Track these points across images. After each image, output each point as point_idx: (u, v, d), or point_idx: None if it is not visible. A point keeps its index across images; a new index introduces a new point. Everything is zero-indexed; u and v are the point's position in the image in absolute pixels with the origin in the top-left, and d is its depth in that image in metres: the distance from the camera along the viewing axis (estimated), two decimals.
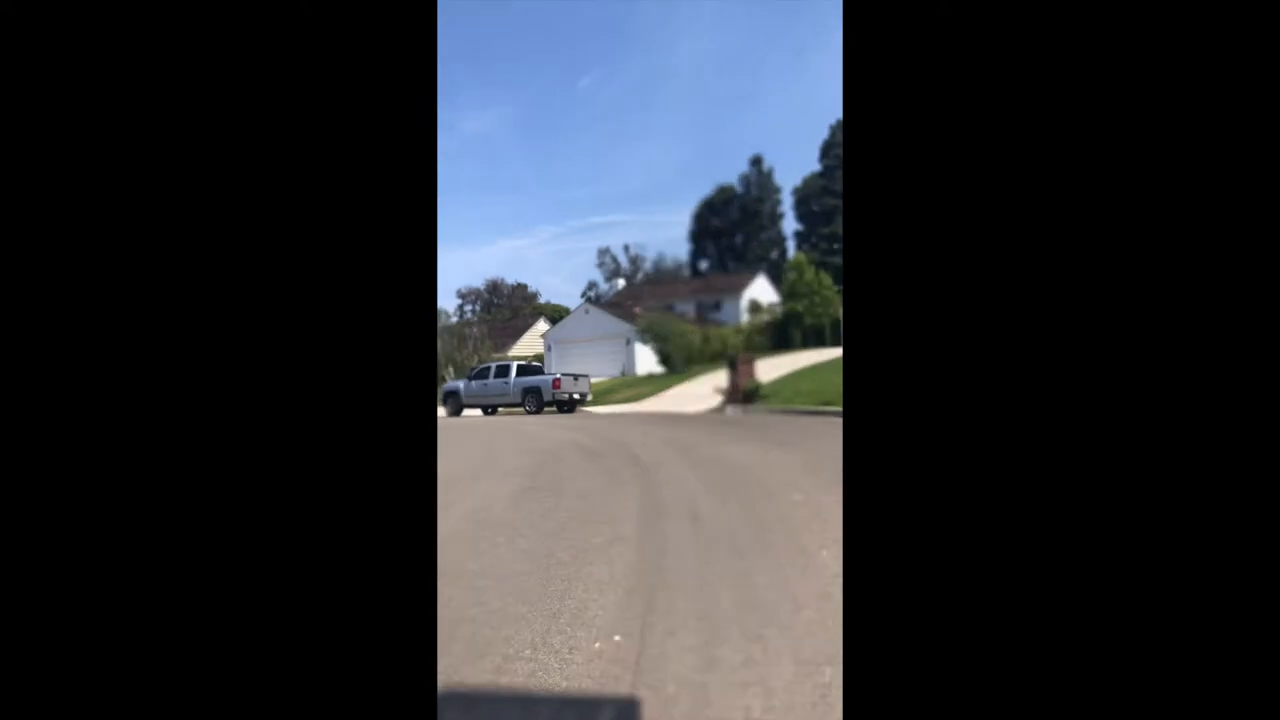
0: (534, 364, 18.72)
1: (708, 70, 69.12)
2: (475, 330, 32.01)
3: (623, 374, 26.19)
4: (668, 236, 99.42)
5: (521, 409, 16.36)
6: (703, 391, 17.21)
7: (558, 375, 16.33)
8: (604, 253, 57.96)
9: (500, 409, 17.11)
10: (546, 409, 16.52)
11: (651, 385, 20.80)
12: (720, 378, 17.79)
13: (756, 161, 49.20)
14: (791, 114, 66.25)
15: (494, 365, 17.67)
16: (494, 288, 54.44)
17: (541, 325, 33.34)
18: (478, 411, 17.35)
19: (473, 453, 7.88)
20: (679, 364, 23.72)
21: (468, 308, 53.42)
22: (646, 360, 25.71)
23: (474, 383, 17.24)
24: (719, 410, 14.01)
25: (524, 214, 76.61)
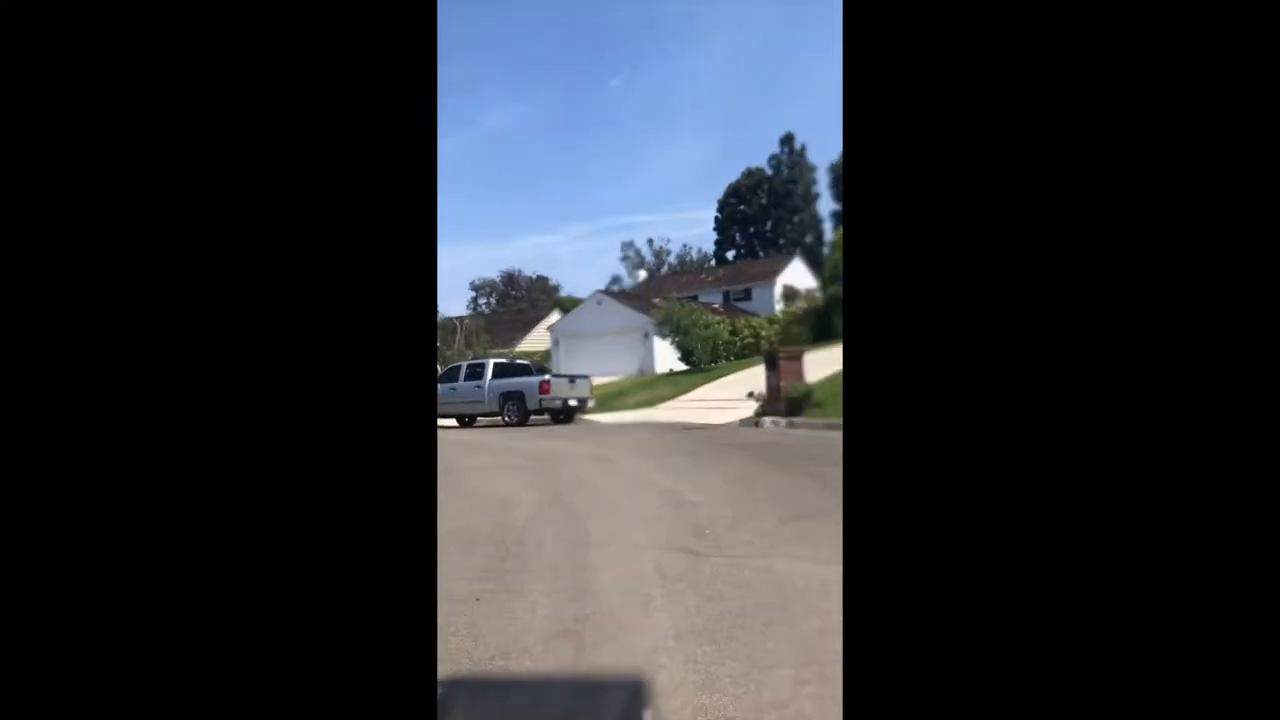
0: (521, 362, 15.12)
1: (737, 62, 68.00)
2: (468, 322, 28.57)
3: (640, 372, 22.70)
4: (698, 233, 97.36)
5: (501, 418, 12.95)
6: (732, 396, 13.63)
7: (546, 377, 12.87)
8: (627, 246, 54.75)
9: (479, 419, 13.69)
10: (537, 418, 13.08)
11: (671, 386, 17.29)
12: (755, 378, 14.18)
13: (788, 140, 45.19)
14: (825, 94, 62.51)
15: (465, 365, 14.26)
16: (510, 280, 51.65)
17: (555, 318, 30.05)
18: (451, 423, 13.96)
19: None
20: (703, 361, 20.19)
21: (481, 300, 50.83)
22: (668, 357, 22.19)
23: (442, 387, 13.87)
24: (754, 422, 10.40)
25: (554, 211, 75.14)
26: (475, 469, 6.64)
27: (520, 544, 3.53)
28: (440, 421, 13.97)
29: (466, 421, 13.96)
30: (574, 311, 27.68)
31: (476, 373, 13.57)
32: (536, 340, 30.06)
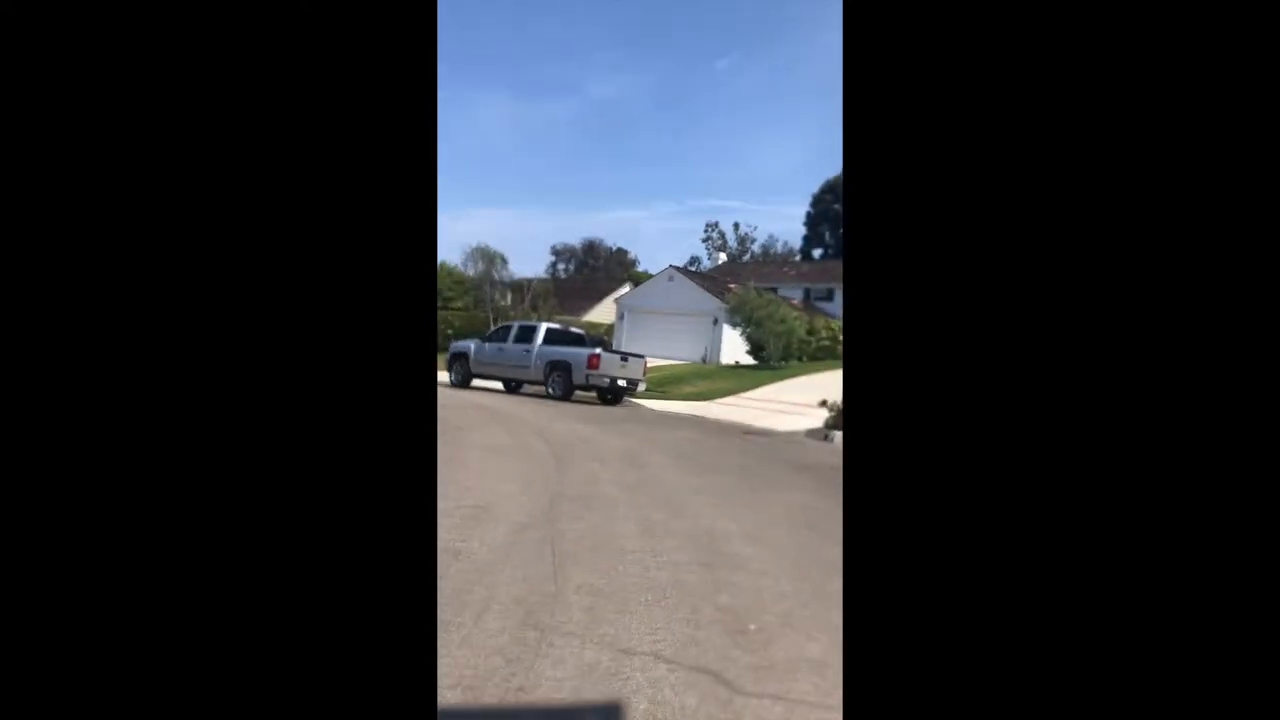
0: (575, 331, 13.88)
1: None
2: (535, 284, 27.62)
3: (703, 360, 21.29)
4: (786, 227, 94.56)
5: (545, 389, 11.86)
6: (800, 400, 12.09)
7: (597, 351, 11.66)
8: (711, 227, 52.79)
9: (526, 386, 12.63)
10: (582, 393, 11.95)
11: (734, 380, 15.85)
12: (827, 384, 12.57)
13: None
14: None
15: (516, 325, 13.17)
16: (590, 248, 51.01)
17: (626, 290, 28.89)
18: (498, 386, 12.98)
19: None
20: (774, 357, 18.60)
21: (560, 265, 50.43)
22: (735, 348, 20.66)
23: (488, 345, 12.87)
24: (823, 434, 8.91)
25: (644, 186, 73.54)
26: (482, 450, 5.51)
27: (440, 611, 2.32)
28: (484, 384, 13.04)
29: (513, 387, 12.97)
30: (643, 285, 26.35)
31: (527, 335, 12.47)
32: (604, 312, 28.98)
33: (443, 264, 26.41)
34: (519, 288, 26.48)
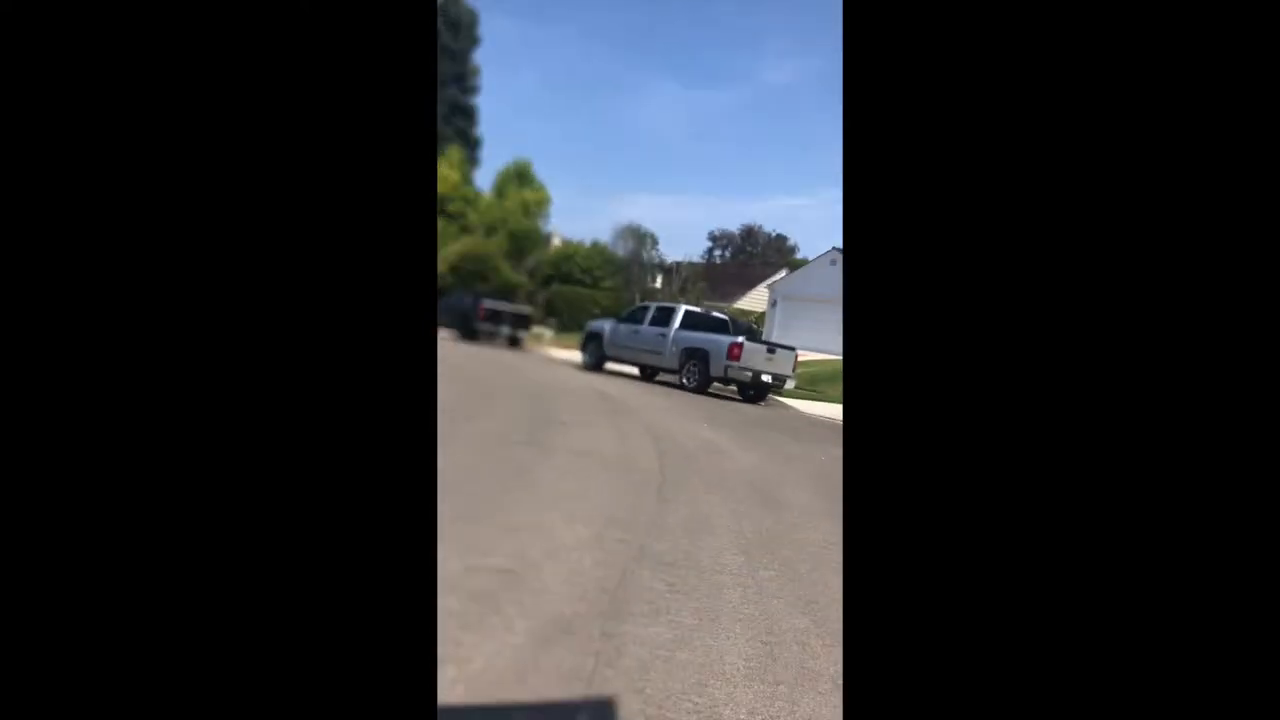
0: (718, 316, 12.27)
1: None
2: (684, 267, 26.22)
3: None
4: None
5: (679, 379, 10.56)
6: None
7: (739, 339, 10.11)
8: None
9: (662, 374, 11.41)
10: (720, 387, 10.54)
11: None
12: None
13: None
14: None
15: (653, 306, 11.90)
16: (749, 234, 49.15)
17: (782, 276, 26.78)
18: (633, 371, 11.89)
19: None
20: None
21: (717, 251, 49.09)
22: None
23: (623, 326, 11.77)
24: None
25: (809, 171, 69.99)
26: (572, 458, 4.34)
27: None
28: (621, 368, 12.06)
29: (648, 374, 11.85)
30: (801, 270, 24.13)
31: (664, 318, 11.18)
32: (757, 299, 27.16)
33: (595, 243, 26.12)
34: (669, 270, 25.44)
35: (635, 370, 11.89)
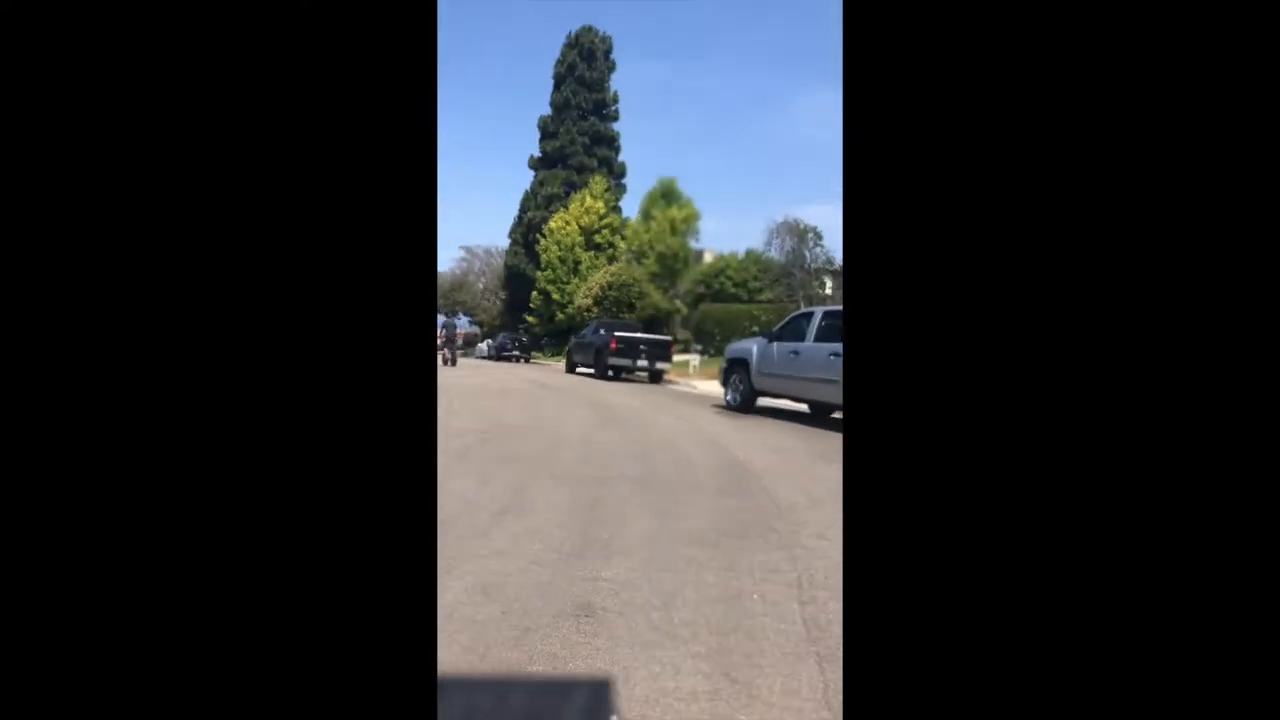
0: None
1: None
2: (800, 271, 21.42)
3: None
4: None
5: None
6: None
7: None
8: None
9: (838, 410, 7.91)
10: None
11: None
12: None
13: None
14: None
15: (819, 312, 7.97)
16: None
17: None
18: (801, 407, 8.52)
19: None
20: None
21: None
22: None
23: (776, 346, 8.22)
24: None
25: None
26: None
27: None
28: (777, 402, 8.77)
29: (821, 413, 8.43)
30: None
31: (834, 331, 7.34)
32: None
33: (749, 252, 22.90)
34: (840, 273, 21.40)
35: (803, 406, 8.52)
